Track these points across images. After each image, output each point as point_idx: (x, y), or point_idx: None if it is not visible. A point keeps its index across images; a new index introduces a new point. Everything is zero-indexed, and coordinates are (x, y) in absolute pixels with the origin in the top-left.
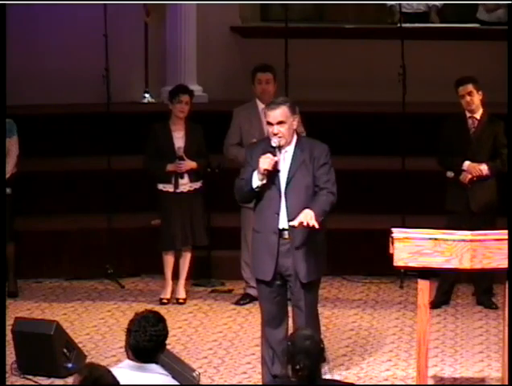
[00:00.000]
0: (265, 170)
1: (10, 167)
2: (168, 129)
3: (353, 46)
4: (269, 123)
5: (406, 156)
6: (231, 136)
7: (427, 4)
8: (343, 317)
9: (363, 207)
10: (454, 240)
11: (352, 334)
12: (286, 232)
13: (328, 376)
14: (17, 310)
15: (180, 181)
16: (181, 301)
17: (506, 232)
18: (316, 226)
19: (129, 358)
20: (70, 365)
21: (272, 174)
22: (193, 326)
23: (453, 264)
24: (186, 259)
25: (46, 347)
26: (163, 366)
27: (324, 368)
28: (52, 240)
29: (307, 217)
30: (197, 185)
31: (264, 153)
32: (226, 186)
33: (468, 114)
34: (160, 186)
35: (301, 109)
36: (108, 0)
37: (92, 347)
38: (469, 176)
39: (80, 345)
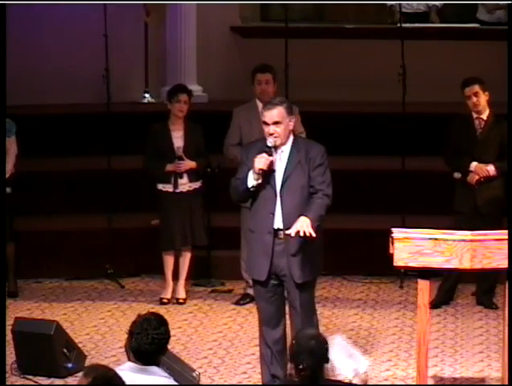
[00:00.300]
0: (260, 169)
1: (9, 167)
2: (167, 128)
3: (353, 46)
4: (265, 123)
5: (406, 156)
6: (231, 136)
7: (427, 4)
8: (343, 317)
9: (363, 207)
10: (454, 240)
11: (352, 334)
12: (281, 232)
13: None
14: (17, 309)
15: (180, 181)
16: (181, 301)
17: (506, 232)
18: (313, 234)
19: (129, 360)
20: (70, 365)
21: (268, 174)
22: (193, 326)
23: (453, 264)
24: (186, 259)
25: (46, 347)
26: (163, 366)
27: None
28: (52, 240)
29: (304, 225)
30: (197, 185)
31: (260, 153)
32: (226, 186)
33: (474, 115)
34: (160, 186)
35: (301, 109)
36: (108, 0)
37: (92, 347)
38: (477, 177)
39: (80, 345)
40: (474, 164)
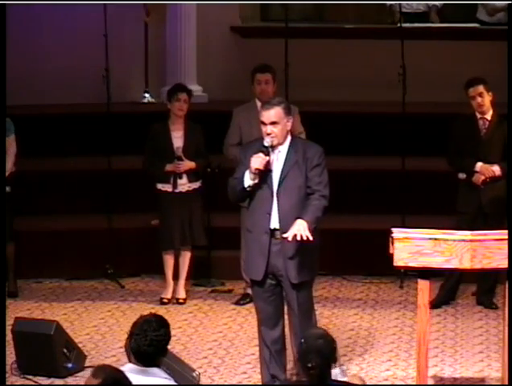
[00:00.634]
0: (256, 169)
1: (8, 166)
2: (167, 128)
3: (353, 46)
4: (262, 123)
5: (406, 156)
6: (231, 136)
7: (426, 4)
8: (343, 317)
9: (363, 207)
10: (454, 240)
11: (352, 334)
12: (277, 232)
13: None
14: (17, 310)
15: (179, 181)
16: (181, 301)
17: (506, 232)
18: (310, 238)
19: (130, 361)
20: (70, 365)
21: (265, 174)
22: (193, 326)
23: (453, 264)
24: (185, 259)
25: (46, 347)
26: (164, 366)
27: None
28: (52, 240)
29: (301, 229)
30: (196, 185)
31: (257, 153)
32: (226, 187)
33: (478, 115)
34: (159, 186)
35: (301, 109)
36: (108, 0)
37: (92, 347)
38: (483, 177)
39: (80, 345)
40: (479, 164)
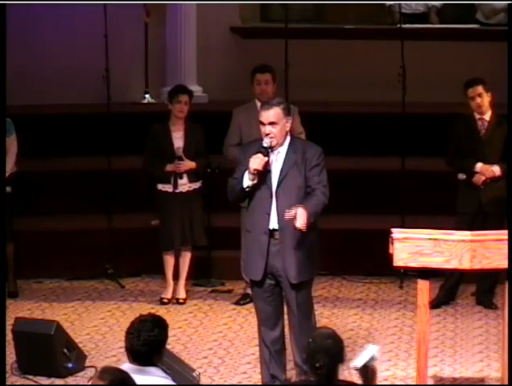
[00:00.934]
0: (254, 169)
1: (9, 166)
2: (167, 129)
3: (353, 46)
4: (261, 123)
5: (406, 156)
6: (231, 136)
7: (426, 5)
8: (343, 317)
9: (363, 207)
10: (454, 240)
11: (352, 334)
12: (276, 233)
13: None
14: (17, 310)
15: (179, 181)
16: (181, 301)
17: (506, 232)
18: (304, 229)
19: (129, 360)
20: (70, 365)
21: (264, 175)
22: (193, 326)
23: (453, 264)
24: (186, 259)
25: (46, 347)
26: (163, 366)
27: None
28: (52, 240)
29: (301, 219)
30: (196, 185)
31: (257, 154)
32: (226, 187)
33: (477, 116)
34: (159, 186)
35: (301, 109)
36: (108, 0)
37: (92, 347)
38: (483, 178)
39: (80, 345)
40: (479, 165)
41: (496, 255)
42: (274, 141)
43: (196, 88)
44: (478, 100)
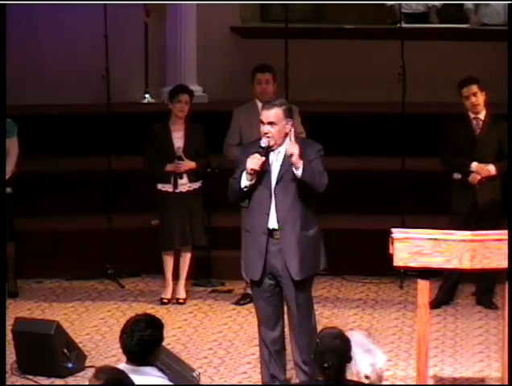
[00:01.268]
0: (251, 169)
1: (10, 167)
2: (167, 129)
3: (353, 46)
4: (261, 122)
5: (406, 156)
6: (231, 136)
7: (426, 4)
8: (343, 317)
9: (363, 207)
10: (454, 240)
11: None
12: (276, 232)
13: None
14: (17, 310)
15: (179, 181)
16: (181, 301)
17: (506, 232)
18: (295, 153)
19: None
20: (70, 365)
21: (263, 175)
22: (193, 326)
23: (453, 264)
24: (186, 259)
25: (46, 347)
26: (163, 365)
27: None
28: (52, 240)
29: (295, 149)
30: (196, 185)
31: (254, 154)
32: (226, 187)
33: (472, 115)
34: (159, 186)
35: (301, 109)
36: (108, 0)
37: (92, 347)
38: (479, 177)
39: (80, 345)
40: (475, 164)
41: (496, 255)
42: (272, 141)
43: (196, 88)
44: (473, 99)
